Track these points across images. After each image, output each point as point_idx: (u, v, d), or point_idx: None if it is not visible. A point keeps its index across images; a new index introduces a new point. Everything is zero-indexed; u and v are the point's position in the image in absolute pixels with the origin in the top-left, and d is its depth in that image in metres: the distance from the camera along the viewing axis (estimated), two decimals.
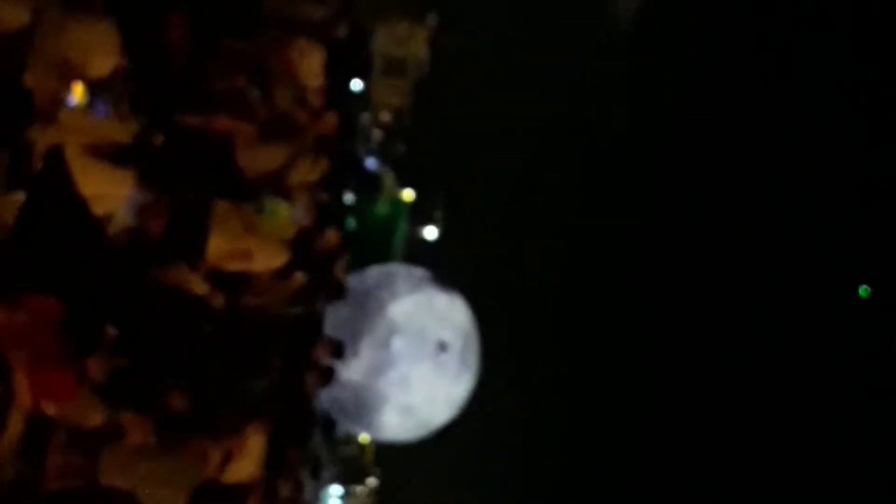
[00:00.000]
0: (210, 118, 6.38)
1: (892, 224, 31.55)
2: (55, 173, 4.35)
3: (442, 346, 13.73)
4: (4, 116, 4.36)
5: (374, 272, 14.79)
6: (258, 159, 6.75)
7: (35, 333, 4.21)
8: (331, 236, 8.87)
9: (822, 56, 33.27)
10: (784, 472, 36.08)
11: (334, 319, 12.67)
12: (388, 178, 29.92)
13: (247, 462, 5.96)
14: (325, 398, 13.72)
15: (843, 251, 33.14)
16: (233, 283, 6.71)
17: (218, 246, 6.15)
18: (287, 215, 6.88)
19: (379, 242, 23.48)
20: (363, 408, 13.94)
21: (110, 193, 4.90)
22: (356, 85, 19.29)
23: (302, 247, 7.48)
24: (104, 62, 4.85)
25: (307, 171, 7.20)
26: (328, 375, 9.29)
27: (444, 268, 16.82)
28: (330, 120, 8.37)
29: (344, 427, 18.89)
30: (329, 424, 16.63)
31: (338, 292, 10.63)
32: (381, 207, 26.49)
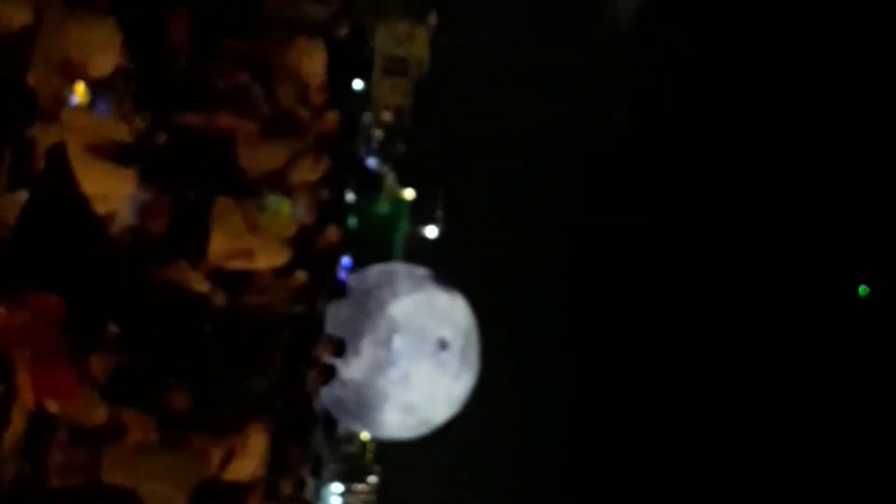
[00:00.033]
0: (212, 116, 6.39)
1: (891, 224, 31.55)
2: (57, 172, 4.35)
3: (442, 345, 13.75)
4: (7, 115, 4.37)
5: (375, 271, 14.81)
6: (260, 158, 6.77)
7: (37, 332, 4.22)
8: (331, 233, 8.87)
9: (822, 56, 33.28)
10: (783, 471, 36.08)
11: (335, 318, 12.69)
12: (389, 178, 29.91)
13: (249, 461, 5.97)
14: (326, 396, 13.74)
15: (842, 251, 33.15)
16: (234, 281, 6.73)
17: (219, 245, 6.17)
18: (288, 213, 6.89)
19: (380, 242, 23.48)
20: (364, 406, 13.96)
21: (112, 192, 4.91)
22: (357, 85, 19.28)
23: (303, 245, 7.49)
24: (106, 61, 4.86)
25: (309, 171, 7.21)
26: (329, 374, 9.30)
27: (444, 267, 16.83)
28: (331, 118, 8.38)
29: (345, 425, 18.91)
30: (330, 423, 16.64)
31: (339, 291, 10.65)
32: (382, 207, 26.49)
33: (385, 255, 20.53)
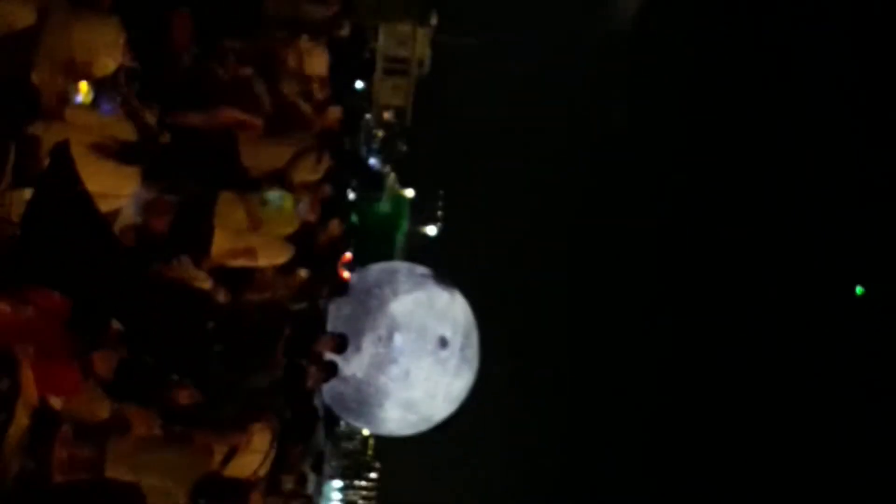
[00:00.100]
0: (216, 113, 6.42)
1: (889, 224, 31.56)
2: (61, 171, 4.37)
3: (442, 343, 13.80)
4: (11, 114, 4.40)
5: (375, 269, 14.85)
6: (262, 157, 6.79)
7: (41, 328, 4.24)
8: (334, 226, 8.90)
9: (821, 56, 33.29)
10: (783, 470, 36.09)
11: (337, 316, 12.74)
12: (391, 177, 29.95)
13: (251, 458, 6.00)
14: (327, 393, 13.80)
15: (841, 251, 33.17)
16: (236, 279, 6.75)
17: (222, 243, 6.20)
18: (291, 208, 6.91)
19: (381, 240, 23.50)
20: (365, 403, 14.00)
21: (116, 191, 4.94)
22: (359, 85, 19.33)
23: (306, 242, 7.51)
24: (109, 61, 4.89)
25: (311, 170, 7.23)
26: (331, 371, 9.32)
27: (444, 265, 16.89)
28: (334, 113, 8.42)
29: (346, 422, 18.94)
30: (331, 419, 16.67)
31: (340, 289, 10.68)
32: (383, 206, 26.51)
33: (386, 254, 20.57)
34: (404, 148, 37.59)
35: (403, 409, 14.19)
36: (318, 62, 8.23)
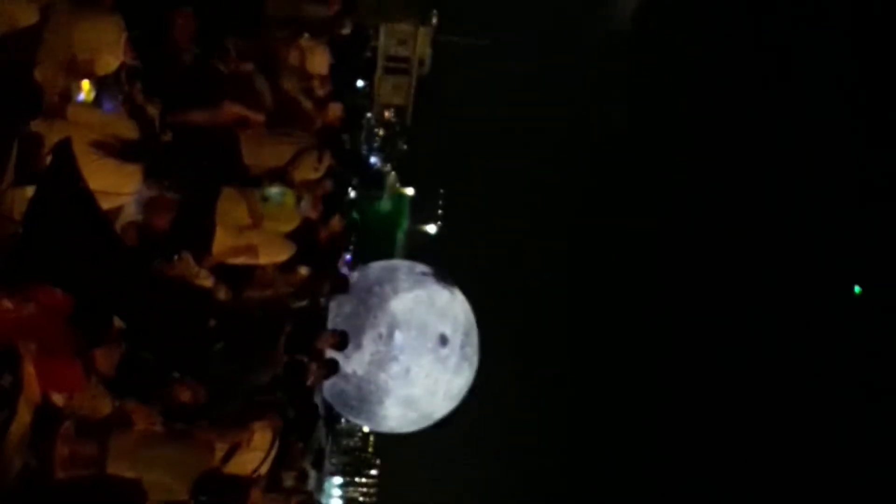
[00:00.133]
0: (217, 109, 6.42)
1: (889, 224, 31.58)
2: (63, 168, 4.37)
3: (443, 341, 13.83)
4: (14, 112, 4.41)
5: (376, 267, 14.88)
6: (264, 156, 6.80)
7: (43, 325, 4.25)
8: (335, 222, 8.92)
9: (821, 56, 33.29)
10: (782, 469, 36.10)
11: (337, 313, 12.77)
12: (391, 176, 30.02)
13: (253, 456, 6.01)
14: (328, 390, 13.83)
15: (840, 251, 33.19)
16: (237, 276, 6.77)
17: (224, 241, 6.21)
18: (292, 203, 6.93)
19: (381, 238, 23.56)
20: (365, 400, 14.04)
21: (118, 188, 4.95)
22: (359, 84, 19.37)
23: (307, 240, 7.52)
24: (111, 59, 4.90)
25: (312, 169, 7.24)
26: (332, 368, 9.34)
27: (445, 263, 16.93)
28: (335, 109, 8.44)
29: (346, 419, 18.96)
30: (332, 416, 16.70)
31: (341, 286, 10.69)
32: (384, 204, 26.57)
33: (386, 252, 20.60)
34: (405, 147, 37.59)
35: (404, 407, 14.23)
36: (319, 61, 8.25)
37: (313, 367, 8.54)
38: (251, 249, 6.58)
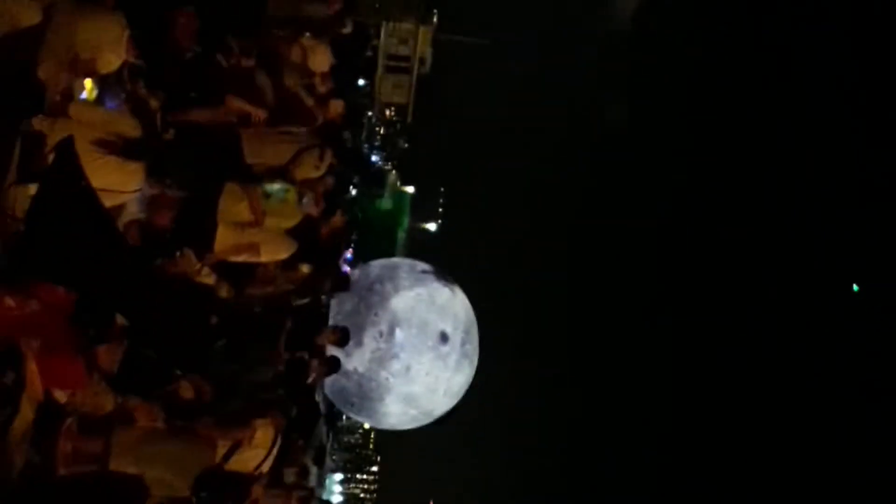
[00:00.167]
0: (219, 107, 6.44)
1: (888, 224, 31.58)
2: (66, 167, 4.39)
3: (443, 338, 13.86)
4: (16, 110, 4.43)
5: (377, 265, 14.90)
6: (265, 155, 6.81)
7: (46, 323, 4.27)
8: (336, 219, 8.93)
9: (821, 56, 33.29)
10: (782, 468, 36.10)
11: (338, 311, 12.79)
12: (392, 174, 30.03)
13: (254, 454, 6.02)
14: (329, 387, 13.86)
15: (840, 251, 33.18)
16: (239, 274, 6.78)
17: (225, 239, 6.23)
18: (294, 200, 6.94)
19: (382, 236, 23.59)
20: (366, 397, 14.06)
21: (120, 187, 4.96)
22: (361, 82, 19.39)
23: (308, 237, 7.53)
24: (113, 58, 4.92)
25: (313, 168, 7.25)
26: (333, 365, 9.35)
27: (445, 262, 16.96)
28: (336, 106, 8.45)
29: (347, 416, 18.98)
30: (333, 413, 16.71)
31: (342, 284, 10.69)
32: (385, 202, 26.59)
33: (387, 250, 20.61)
34: (405, 145, 37.60)
35: (404, 404, 14.25)
36: (320, 59, 8.27)
37: (314, 364, 8.54)
38: (253, 247, 6.60)
